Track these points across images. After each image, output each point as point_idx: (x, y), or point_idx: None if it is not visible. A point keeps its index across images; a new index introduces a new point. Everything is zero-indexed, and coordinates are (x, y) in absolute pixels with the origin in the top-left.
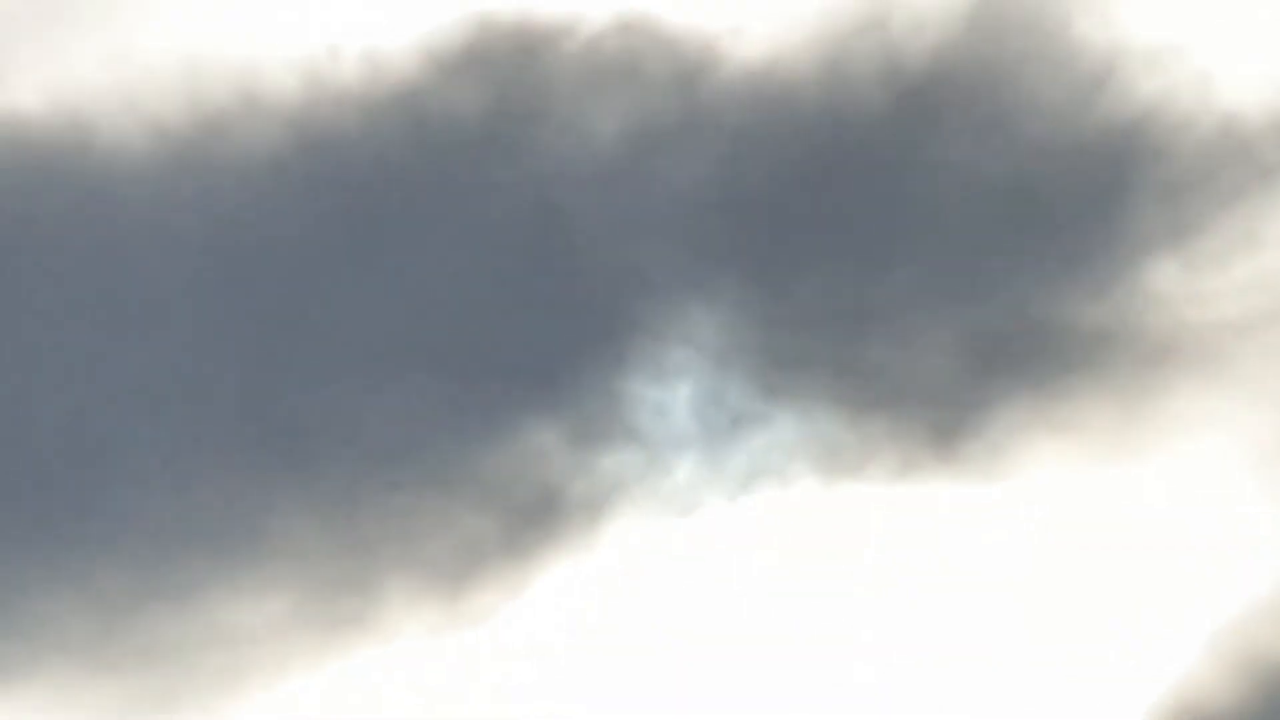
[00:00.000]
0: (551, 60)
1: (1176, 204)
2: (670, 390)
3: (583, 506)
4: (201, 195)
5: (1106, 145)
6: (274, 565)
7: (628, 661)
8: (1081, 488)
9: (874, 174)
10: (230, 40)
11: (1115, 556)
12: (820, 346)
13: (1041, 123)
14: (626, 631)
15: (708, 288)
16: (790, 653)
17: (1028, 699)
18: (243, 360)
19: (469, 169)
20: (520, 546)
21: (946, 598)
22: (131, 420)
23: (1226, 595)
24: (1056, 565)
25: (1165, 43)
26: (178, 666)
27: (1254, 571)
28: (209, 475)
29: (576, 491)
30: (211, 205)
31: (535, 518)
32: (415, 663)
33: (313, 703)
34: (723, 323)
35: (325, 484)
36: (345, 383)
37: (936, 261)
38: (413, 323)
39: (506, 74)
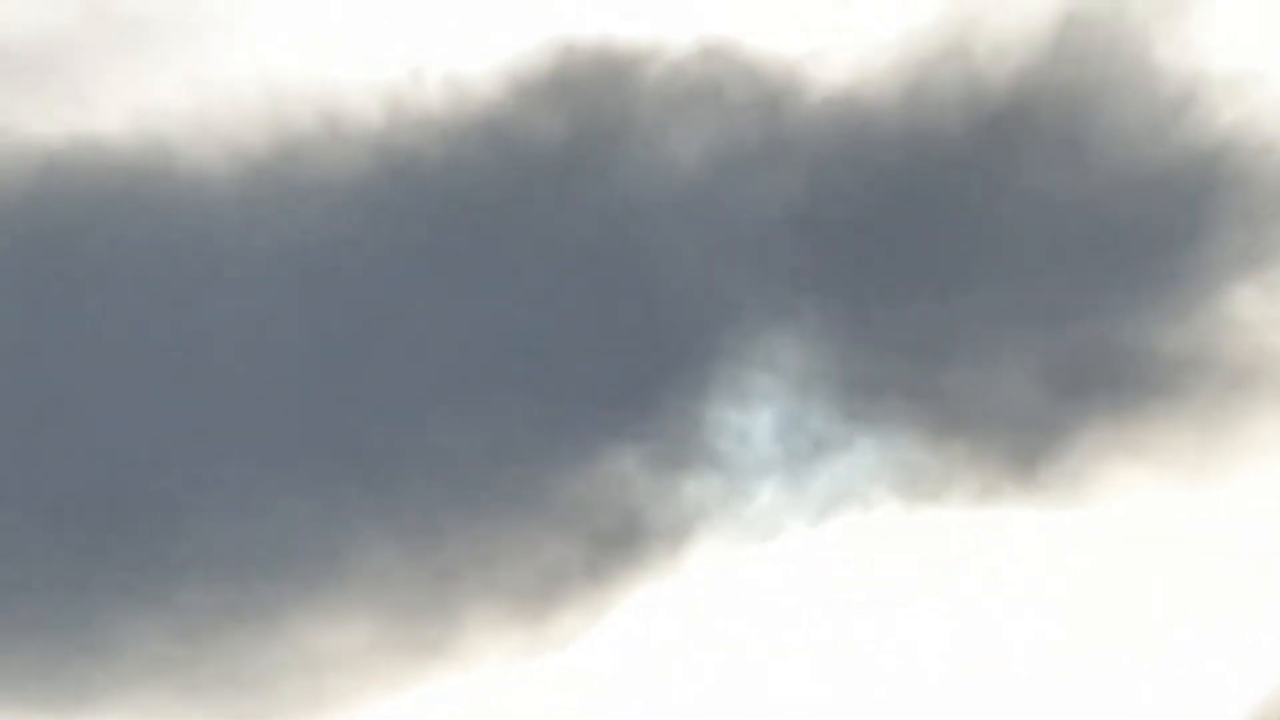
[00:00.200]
0: (634, 85)
1: (1257, 230)
2: (752, 415)
3: (664, 532)
4: (282, 219)
5: (1187, 171)
6: (356, 591)
7: (709, 686)
8: (1161, 512)
9: (955, 199)
10: (312, 65)
11: (1196, 579)
12: (901, 371)
13: (1122, 149)
14: (708, 656)
15: (789, 313)
16: (870, 675)
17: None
18: (325, 386)
19: (551, 194)
20: (602, 572)
21: (1027, 621)
22: (214, 447)
23: None
24: (1137, 588)
25: (1246, 69)
26: (261, 691)
27: None
28: (291, 501)
29: (658, 517)
30: (292, 229)
31: (617, 543)
32: (496, 688)
33: None
34: (804, 348)
35: (407, 510)
36: (427, 409)
37: (1017, 287)
38: (494, 348)
39: (589, 99)
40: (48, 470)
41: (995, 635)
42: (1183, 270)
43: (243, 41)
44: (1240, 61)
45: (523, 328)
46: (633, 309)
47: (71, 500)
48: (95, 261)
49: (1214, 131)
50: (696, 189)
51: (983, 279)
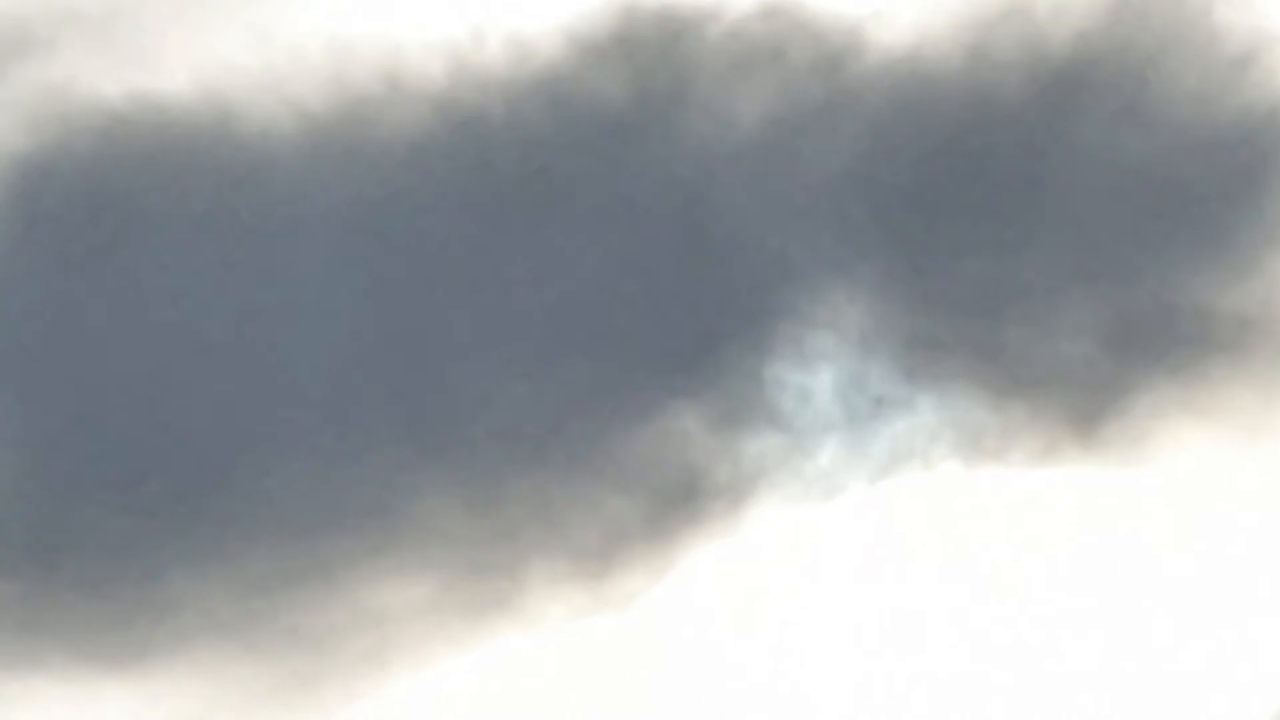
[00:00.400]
0: (695, 46)
1: None
2: (813, 374)
3: (726, 490)
4: (345, 179)
5: (1248, 130)
6: (418, 549)
7: (769, 644)
8: (1222, 470)
9: (1016, 159)
10: (375, 24)
11: (1257, 538)
12: (962, 331)
13: (1183, 108)
14: (768, 614)
15: (850, 272)
16: (932, 633)
17: (1171, 678)
18: (387, 344)
19: (613, 154)
20: (664, 530)
21: (1088, 579)
22: (277, 405)
23: None
24: (1198, 547)
25: None
26: (322, 649)
27: None
28: (354, 459)
29: (720, 475)
30: (355, 188)
31: (679, 502)
32: (558, 646)
33: (457, 686)
34: (865, 307)
35: (470, 468)
36: (489, 367)
37: (1078, 246)
38: (556, 307)
39: (651, 59)
40: (109, 430)
41: (1056, 590)
42: (1243, 229)
43: (306, 2)
44: None
45: (584, 286)
46: (694, 268)
47: (132, 459)
48: (157, 220)
49: (1275, 91)
50: (757, 149)
51: (1043, 238)
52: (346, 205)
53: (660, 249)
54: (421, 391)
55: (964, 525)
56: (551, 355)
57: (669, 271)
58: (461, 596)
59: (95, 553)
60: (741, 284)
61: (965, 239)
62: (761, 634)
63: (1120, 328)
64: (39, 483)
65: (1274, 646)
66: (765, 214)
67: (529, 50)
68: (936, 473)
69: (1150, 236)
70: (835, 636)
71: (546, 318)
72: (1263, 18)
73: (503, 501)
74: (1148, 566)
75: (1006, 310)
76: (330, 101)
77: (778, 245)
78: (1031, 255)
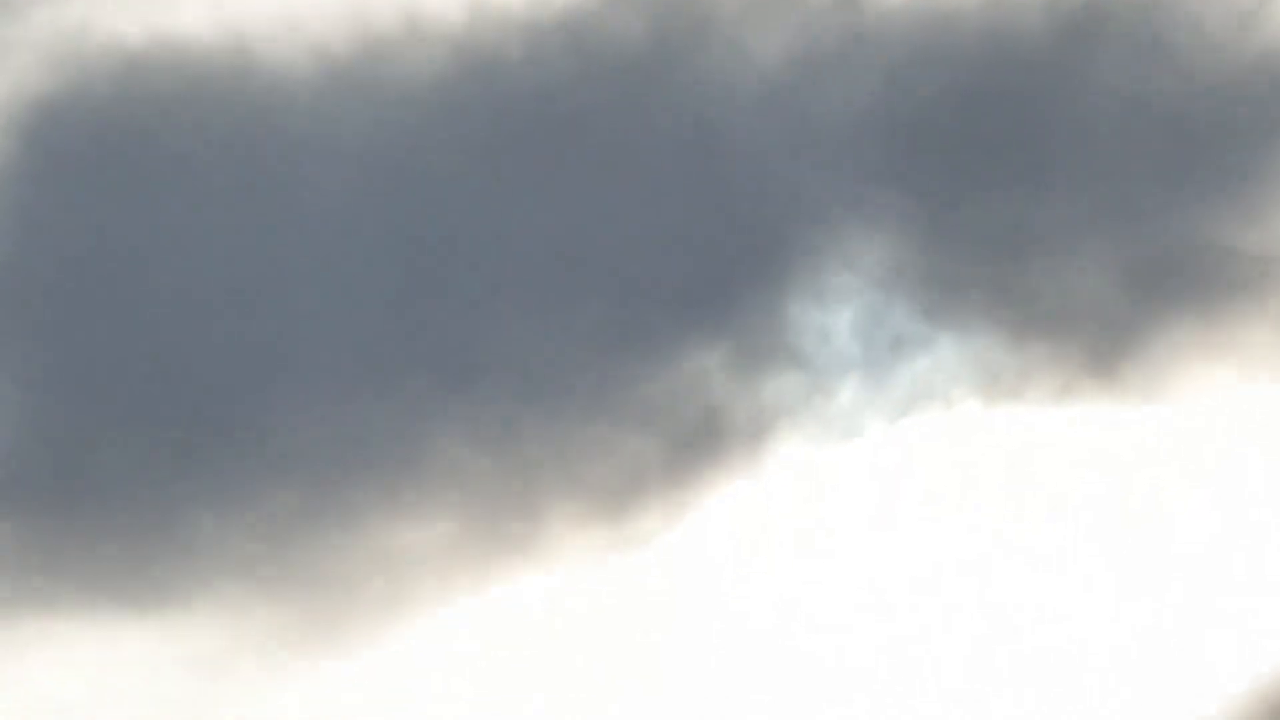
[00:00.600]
0: None
1: None
2: (832, 314)
3: (744, 430)
4: (364, 119)
5: (1267, 70)
6: (438, 490)
7: (789, 583)
8: (1241, 409)
9: (1034, 98)
10: None
11: (1276, 475)
12: (982, 270)
13: (1202, 48)
14: (788, 553)
15: (869, 212)
16: (950, 570)
17: (1188, 615)
18: (406, 286)
19: (631, 93)
20: (682, 470)
21: (1106, 516)
22: (297, 348)
23: None
24: (1216, 484)
25: None
26: (342, 590)
27: None
28: (373, 402)
29: (738, 415)
30: (374, 129)
31: (697, 442)
32: (577, 587)
33: (475, 625)
34: (884, 246)
35: (488, 409)
36: (508, 308)
37: (1097, 185)
38: (575, 247)
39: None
40: (128, 372)
41: (1074, 531)
42: (1262, 169)
43: None
44: None
45: (603, 225)
46: (712, 208)
47: (151, 401)
48: (176, 161)
49: None
50: (777, 88)
51: (1062, 178)
52: (365, 146)
53: (679, 189)
54: (440, 332)
55: (983, 463)
56: (570, 296)
57: (687, 211)
58: (480, 537)
59: (115, 495)
60: (760, 224)
61: (984, 178)
62: (780, 573)
63: (1139, 267)
64: (60, 425)
65: None
66: (784, 154)
67: None
68: (956, 411)
69: (1169, 176)
70: (854, 575)
71: (564, 258)
72: None
73: (521, 443)
74: (1166, 503)
75: (1025, 249)
76: (349, 42)
77: (797, 185)
78: (1050, 195)
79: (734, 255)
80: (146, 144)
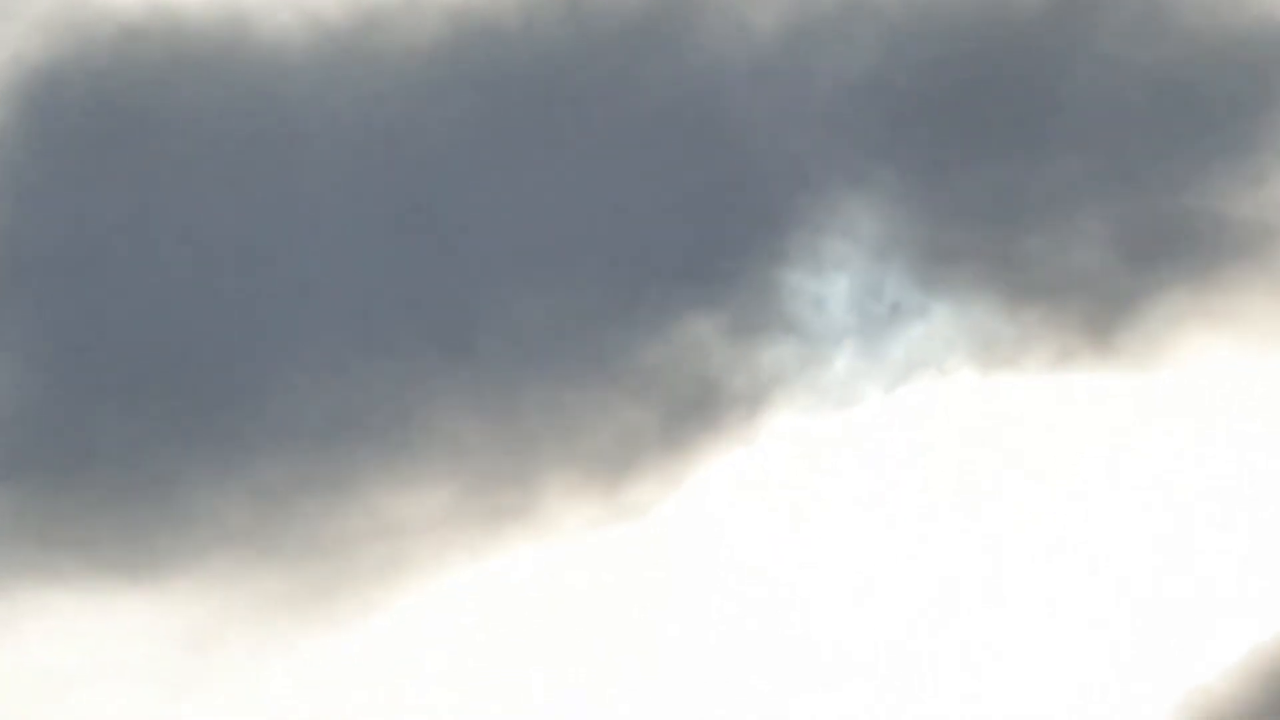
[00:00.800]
0: None
1: None
2: (828, 282)
3: (741, 398)
4: (361, 88)
5: (1263, 38)
6: (435, 459)
7: (787, 550)
8: (1237, 376)
9: (1032, 68)
10: None
11: (1271, 442)
12: (977, 238)
13: (1198, 15)
14: (785, 522)
15: (866, 181)
16: (946, 539)
17: (1185, 581)
18: (403, 254)
19: (628, 63)
20: (679, 439)
21: (1102, 484)
22: (293, 315)
23: None
24: (1212, 452)
25: None
26: (338, 558)
27: None
28: (370, 370)
29: (735, 384)
30: (371, 98)
31: (694, 410)
32: (574, 555)
33: (472, 594)
34: (881, 215)
35: (485, 378)
36: (505, 277)
37: (1093, 153)
38: (573, 217)
39: None
40: (123, 340)
41: (1070, 499)
42: (1259, 137)
43: None
44: None
45: (600, 195)
46: (709, 177)
47: (147, 369)
48: (172, 130)
49: None
50: (773, 56)
51: (1059, 146)
52: (362, 115)
53: (675, 158)
54: (436, 302)
55: (979, 431)
56: (567, 265)
57: (684, 180)
58: (477, 506)
59: (111, 464)
60: (757, 193)
61: (981, 147)
62: (777, 542)
63: (1135, 235)
64: (55, 394)
65: None
66: (781, 123)
67: None
68: (952, 380)
69: (1166, 144)
70: (850, 543)
71: (562, 228)
72: None
73: (518, 411)
74: (1162, 471)
75: (1022, 218)
76: (345, 11)
77: (793, 154)
78: (1047, 163)
79: (730, 225)
80: (144, 114)
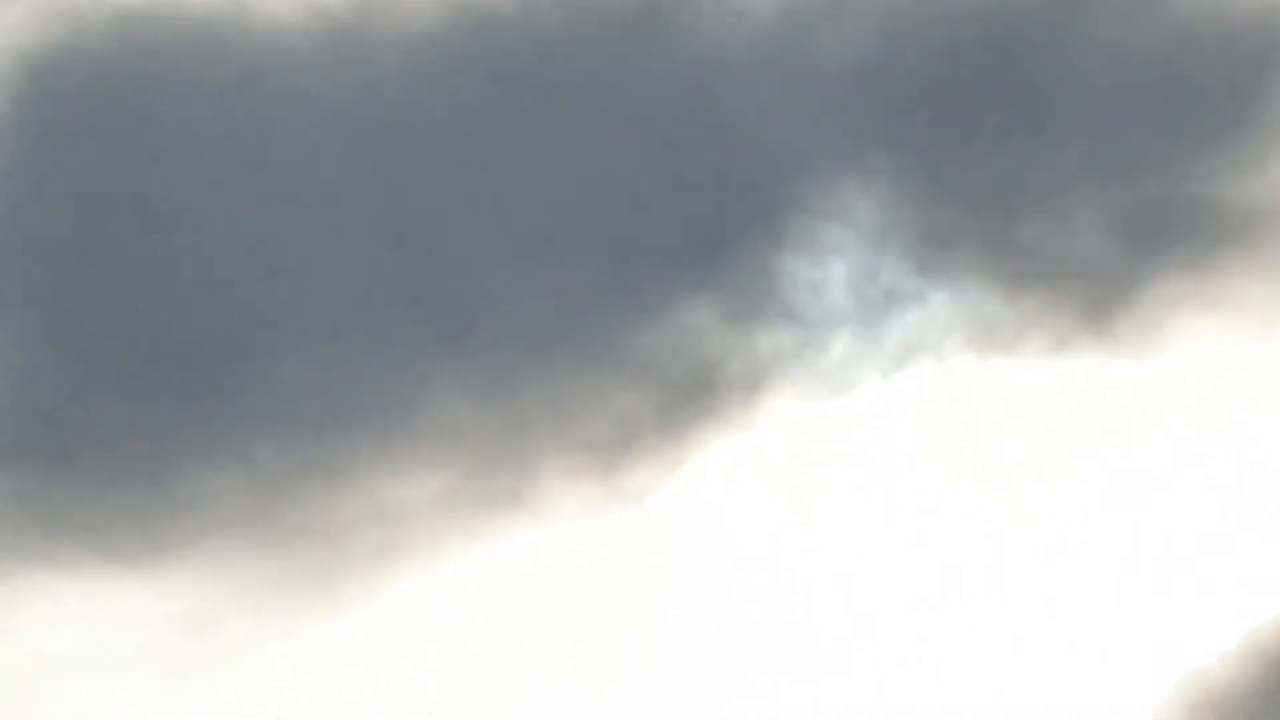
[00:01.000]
0: None
1: None
2: (826, 268)
3: (738, 384)
4: (359, 74)
5: (1260, 24)
6: (431, 444)
7: (784, 536)
8: (1234, 362)
9: (1029, 53)
10: None
11: (1269, 428)
12: (975, 224)
13: (1196, 1)
14: (783, 508)
15: (863, 165)
16: (944, 525)
17: (1182, 566)
18: (400, 240)
19: (625, 47)
20: (676, 425)
21: (1100, 469)
22: (290, 302)
23: None
24: (1209, 437)
25: None
26: (335, 542)
27: None
28: (367, 355)
29: (732, 369)
30: (369, 84)
31: (691, 396)
32: (571, 541)
33: (469, 580)
34: (878, 201)
35: (482, 363)
36: (502, 262)
37: (1091, 139)
38: (570, 202)
39: None
40: (121, 326)
41: (1067, 484)
42: (1255, 122)
43: None
44: None
45: (597, 180)
46: (706, 161)
47: (145, 355)
48: (170, 116)
49: None
50: (770, 41)
51: (1057, 131)
52: (360, 100)
53: (672, 143)
54: (433, 286)
55: (976, 417)
56: (564, 250)
57: (681, 165)
58: (474, 491)
59: (108, 449)
60: (754, 178)
61: (978, 132)
62: (775, 527)
63: (1132, 220)
64: (53, 379)
65: None
66: (778, 108)
67: None
68: (949, 365)
69: (1162, 130)
70: (848, 529)
71: (558, 212)
72: None
73: (515, 396)
74: (1160, 456)
75: (1019, 203)
76: None
77: (790, 139)
78: (1044, 149)
79: (728, 210)
80: (142, 99)
